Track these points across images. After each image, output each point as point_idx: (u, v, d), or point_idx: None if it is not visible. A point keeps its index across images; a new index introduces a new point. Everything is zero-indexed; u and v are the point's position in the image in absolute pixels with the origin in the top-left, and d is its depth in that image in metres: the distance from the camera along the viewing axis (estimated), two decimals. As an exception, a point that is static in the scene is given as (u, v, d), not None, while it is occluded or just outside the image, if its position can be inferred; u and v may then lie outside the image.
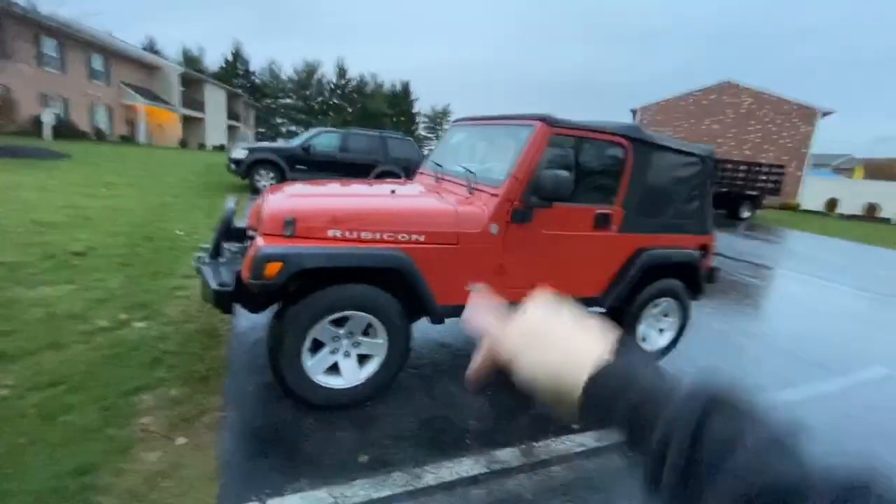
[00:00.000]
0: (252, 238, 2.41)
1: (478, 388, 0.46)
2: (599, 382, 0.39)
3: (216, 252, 2.62)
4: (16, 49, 12.78)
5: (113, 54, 25.32)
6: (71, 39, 21.76)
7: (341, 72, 55.73)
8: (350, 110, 54.60)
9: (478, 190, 2.67)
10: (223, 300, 2.22)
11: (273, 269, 1.97)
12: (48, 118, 18.25)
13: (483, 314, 0.52)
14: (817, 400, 3.10)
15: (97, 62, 24.32)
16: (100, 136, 23.78)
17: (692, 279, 3.29)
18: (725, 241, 10.41)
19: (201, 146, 31.01)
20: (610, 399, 0.38)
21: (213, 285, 2.22)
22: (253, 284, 2.01)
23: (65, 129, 19.65)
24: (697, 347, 3.71)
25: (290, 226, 2.14)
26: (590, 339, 0.43)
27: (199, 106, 31.81)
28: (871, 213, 23.07)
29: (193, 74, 32.55)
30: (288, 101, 55.10)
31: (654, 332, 3.30)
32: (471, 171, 2.78)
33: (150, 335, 2.92)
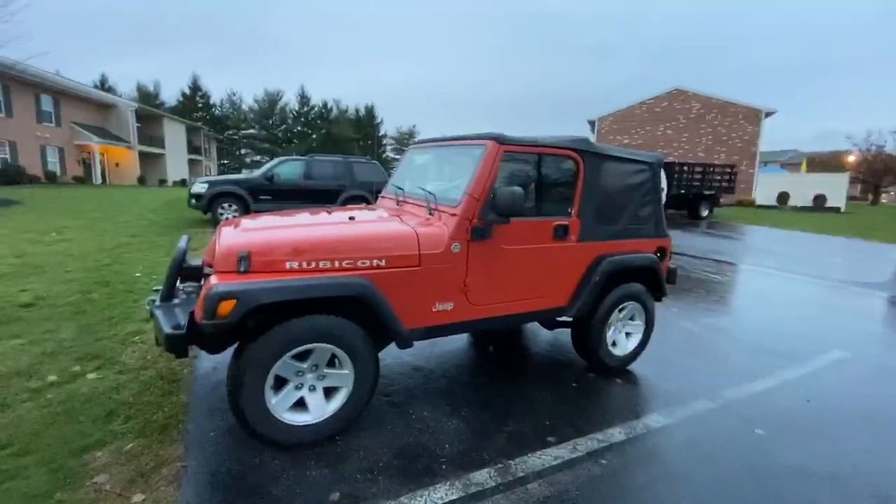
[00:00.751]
0: (208, 276, 2.33)
1: None
2: None
3: (170, 293, 2.52)
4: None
5: (62, 94, 24.59)
6: (16, 81, 21.03)
7: (304, 99, 55.78)
8: (315, 137, 54.48)
9: (438, 210, 2.69)
10: (176, 344, 2.12)
11: (227, 307, 1.91)
12: (-6, 164, 17.42)
13: None
14: (781, 388, 3.20)
15: (46, 103, 23.55)
16: (52, 178, 22.88)
17: (653, 281, 3.38)
18: (688, 241, 10.79)
19: (162, 182, 30.20)
20: None
21: (166, 329, 2.13)
22: (207, 325, 1.94)
23: (13, 174, 18.81)
24: (667, 347, 3.80)
25: (244, 261, 2.09)
26: None
27: (158, 141, 31.12)
28: (820, 204, 24.43)
29: (149, 110, 31.90)
30: (251, 131, 54.60)
31: (622, 336, 3.36)
32: (430, 193, 2.79)
33: (104, 386, 2.76)
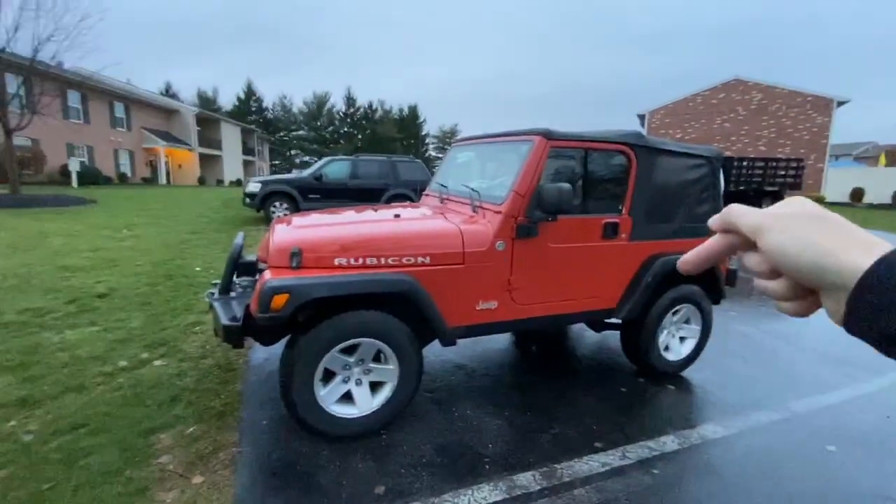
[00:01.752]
0: (262, 271, 2.43)
1: (690, 270, 0.37)
2: (886, 268, 0.30)
3: (227, 287, 2.65)
4: (42, 104, 13.53)
5: (132, 101, 26.60)
6: (93, 91, 22.95)
7: (350, 100, 57.25)
8: (360, 137, 55.83)
9: (482, 208, 2.67)
10: (233, 335, 2.23)
11: (280, 301, 1.98)
12: (74, 166, 19.12)
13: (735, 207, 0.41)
14: (855, 401, 2.93)
15: (118, 110, 25.56)
16: (123, 179, 24.80)
17: (711, 283, 3.19)
18: (747, 241, 10.13)
19: (219, 182, 32.00)
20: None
21: (224, 320, 2.24)
22: (261, 318, 2.03)
23: (90, 176, 20.54)
24: (725, 353, 3.58)
25: (296, 257, 2.16)
26: (871, 237, 0.34)
27: (216, 144, 33.00)
28: (900, 201, 22.21)
29: (208, 114, 33.85)
30: (300, 132, 56.73)
31: (676, 340, 3.20)
32: (474, 190, 2.78)
33: (168, 373, 2.95)
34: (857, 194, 23.16)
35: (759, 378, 3.26)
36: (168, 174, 28.73)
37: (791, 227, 0.36)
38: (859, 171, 26.50)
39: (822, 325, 4.59)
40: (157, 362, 3.11)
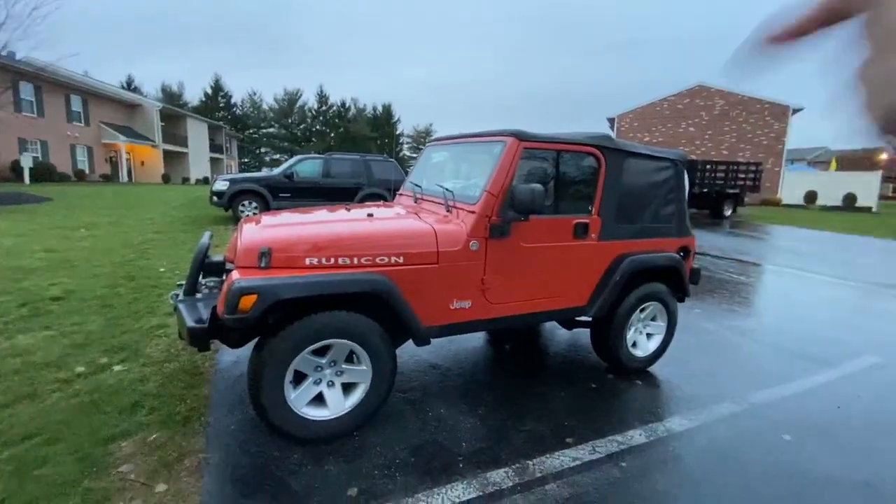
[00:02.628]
0: (229, 272, 2.37)
1: (785, 39, 0.30)
2: None
3: (193, 288, 2.57)
4: (-9, 96, 12.76)
5: (91, 95, 25.36)
6: (48, 83, 21.77)
7: (322, 98, 56.36)
8: (333, 135, 55.05)
9: (456, 208, 2.67)
10: (199, 338, 2.16)
11: (248, 302, 1.93)
12: (27, 162, 18.09)
13: None
14: (809, 393, 3.09)
15: (75, 103, 24.32)
16: (81, 176, 23.63)
17: (676, 282, 3.31)
18: (711, 240, 10.54)
19: (185, 180, 30.91)
20: None
21: (189, 323, 2.17)
22: (228, 319, 1.97)
23: (45, 172, 19.49)
24: (689, 349, 3.71)
25: (265, 257, 2.12)
26: None
27: (181, 140, 31.86)
28: (850, 204, 23.58)
29: (173, 110, 32.65)
30: (270, 130, 55.46)
31: (643, 337, 3.30)
32: (448, 190, 2.78)
33: (129, 378, 2.83)
34: (811, 197, 24.45)
35: (721, 372, 3.40)
36: (130, 171, 27.55)
37: None
38: (813, 176, 27.98)
39: (780, 323, 4.83)
40: (117, 367, 2.98)
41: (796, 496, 2.07)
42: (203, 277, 2.75)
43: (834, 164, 33.31)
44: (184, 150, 31.95)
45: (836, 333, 4.43)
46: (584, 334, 3.65)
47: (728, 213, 17.01)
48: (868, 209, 23.07)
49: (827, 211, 22.14)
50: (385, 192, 10.41)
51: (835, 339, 4.24)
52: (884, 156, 38.69)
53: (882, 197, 27.26)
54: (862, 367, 3.60)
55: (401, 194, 3.57)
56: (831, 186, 24.45)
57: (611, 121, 28.48)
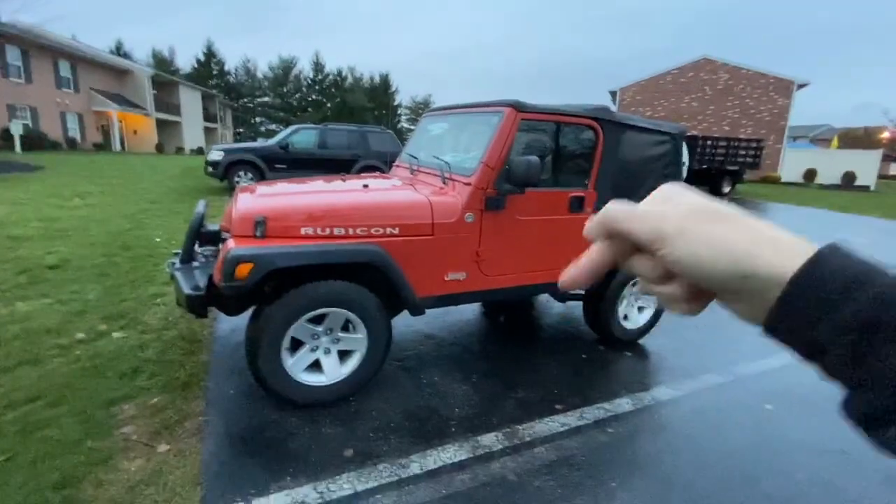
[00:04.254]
0: (225, 240, 2.38)
1: (573, 287, 0.33)
2: (819, 272, 0.28)
3: (189, 256, 2.58)
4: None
5: (80, 60, 24.61)
6: (34, 47, 21.08)
7: (318, 67, 54.93)
8: (329, 105, 53.92)
9: (451, 180, 2.67)
10: (196, 305, 2.19)
11: (244, 270, 1.95)
12: (17, 129, 17.71)
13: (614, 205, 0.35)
14: (793, 366, 3.18)
15: (64, 69, 23.62)
16: (72, 145, 23.22)
17: (669, 256, 3.33)
18: (707, 217, 10.55)
19: (179, 150, 30.42)
20: (834, 294, 0.27)
21: (186, 290, 2.20)
22: (225, 287, 2.00)
23: (35, 140, 19.11)
24: (680, 322, 3.78)
25: (260, 226, 2.12)
26: (782, 232, 0.31)
27: (174, 109, 31.16)
28: (849, 182, 23.53)
29: (165, 77, 31.80)
30: (265, 99, 54.26)
31: (634, 310, 3.35)
32: (444, 161, 2.77)
33: (129, 344, 2.88)
34: (810, 175, 24.37)
35: (709, 345, 3.48)
36: (122, 140, 27.06)
37: (698, 232, 0.31)
38: (813, 153, 27.81)
39: (769, 297, 4.90)
40: (116, 334, 3.02)
41: (774, 461, 2.17)
42: (199, 246, 2.77)
43: (836, 142, 33.10)
44: (177, 118, 31.31)
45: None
46: (576, 306, 3.70)
47: (727, 190, 16.95)
48: (866, 188, 23.06)
49: (825, 189, 22.12)
50: (382, 164, 10.30)
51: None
52: (885, 134, 38.40)
53: (881, 176, 27.23)
54: (846, 342, 3.68)
55: (397, 166, 3.55)
56: (831, 164, 24.33)
57: (613, 94, 27.96)
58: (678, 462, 2.12)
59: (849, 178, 23.61)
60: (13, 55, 20.34)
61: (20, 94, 20.68)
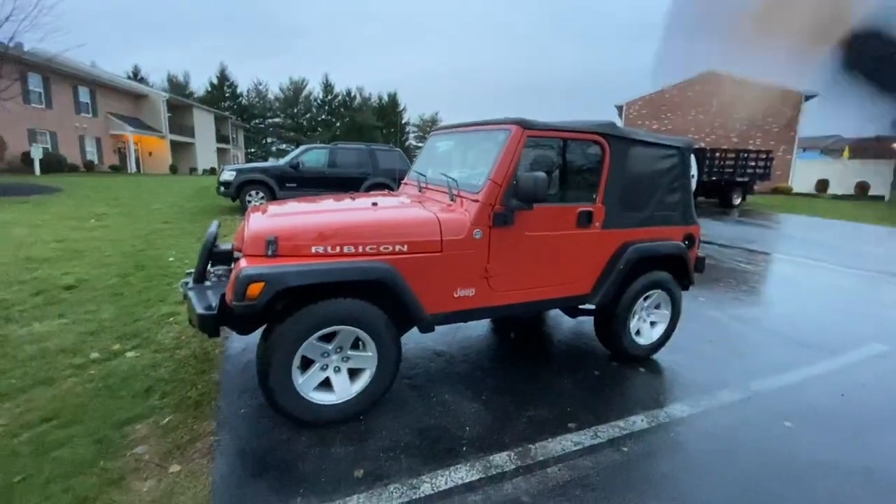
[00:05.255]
0: (237, 260, 2.41)
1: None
2: None
3: (202, 276, 2.62)
4: (1, 88, 12.84)
5: (98, 85, 25.44)
6: (55, 74, 21.86)
7: (327, 87, 56.16)
8: (338, 125, 54.90)
9: (459, 196, 2.69)
10: (208, 324, 2.22)
11: (255, 289, 1.97)
12: (37, 153, 18.26)
13: None
14: (813, 381, 3.10)
15: (83, 94, 24.42)
16: (90, 167, 23.83)
17: (680, 270, 3.31)
18: (718, 229, 10.47)
19: (192, 170, 31.08)
20: None
21: (199, 309, 2.22)
22: (237, 306, 2.02)
23: (54, 163, 19.66)
24: (694, 337, 3.73)
25: (271, 245, 2.15)
26: None
27: (188, 131, 31.94)
28: (862, 192, 23.19)
29: (180, 100, 32.72)
30: (276, 119, 55.42)
31: (647, 325, 3.31)
32: (452, 179, 2.80)
33: (142, 364, 2.91)
34: (823, 185, 24.08)
35: (724, 360, 3.41)
36: (138, 162, 27.73)
37: None
38: (825, 163, 27.53)
39: (786, 311, 4.82)
40: (130, 354, 3.05)
41: (795, 481, 2.10)
42: (212, 266, 2.80)
43: (847, 152, 32.75)
44: (190, 140, 32.07)
45: (842, 322, 4.42)
46: (588, 322, 3.67)
47: (737, 202, 16.81)
48: (881, 198, 22.69)
49: (838, 200, 21.81)
50: (390, 182, 10.41)
51: (840, 328, 4.23)
52: (898, 143, 37.84)
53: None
54: (867, 356, 3.59)
55: (405, 183, 3.59)
56: (843, 175, 24.04)
57: (619, 108, 28.09)
58: (696, 482, 2.06)
59: (862, 188, 23.27)
60: (34, 82, 21.10)
61: (41, 119, 21.38)
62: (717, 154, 16.13)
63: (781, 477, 2.12)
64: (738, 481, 2.08)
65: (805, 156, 28.68)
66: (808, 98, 22.93)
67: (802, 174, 24.22)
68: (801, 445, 2.37)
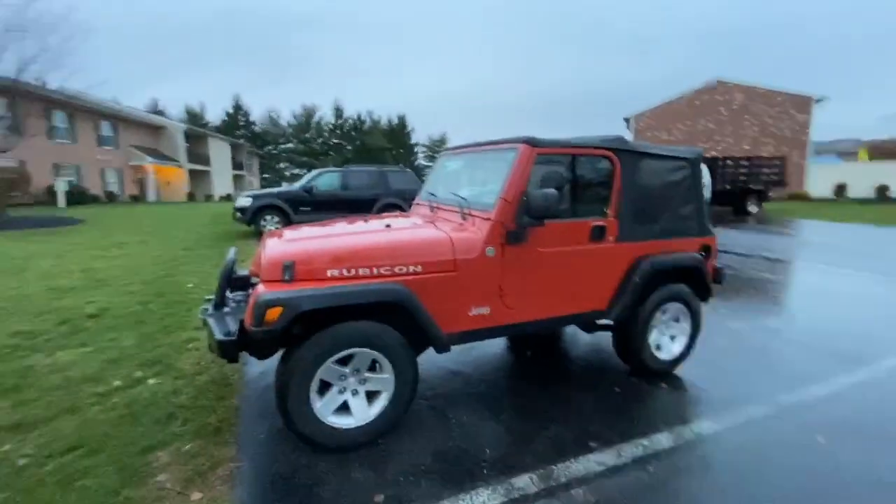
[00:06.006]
0: (255, 285, 2.45)
1: None
2: None
3: (221, 302, 2.67)
4: (28, 125, 13.47)
5: (119, 119, 26.47)
6: (79, 110, 22.82)
7: (338, 112, 57.41)
8: (350, 148, 55.89)
9: (471, 215, 2.71)
10: (228, 350, 2.24)
11: (273, 314, 2.00)
12: (61, 186, 18.96)
13: None
14: (843, 393, 2.99)
15: (105, 128, 25.42)
16: (111, 198, 24.59)
17: (698, 282, 3.26)
18: (736, 238, 10.29)
19: (208, 197, 31.83)
20: None
21: (218, 335, 2.26)
22: (255, 331, 2.05)
23: (78, 195, 20.36)
24: (716, 350, 3.64)
25: (288, 270, 2.19)
26: None
27: (205, 159, 32.88)
28: (882, 195, 22.63)
29: (197, 130, 33.78)
30: (289, 145, 56.67)
31: (667, 339, 3.25)
32: (463, 198, 2.82)
33: (163, 391, 2.95)
34: (841, 189, 23.59)
35: (749, 373, 3.32)
36: (157, 191, 28.54)
37: None
38: (842, 167, 27.01)
39: (810, 320, 4.69)
40: (151, 381, 3.10)
41: (832, 499, 2.01)
42: (230, 292, 2.85)
43: (863, 153, 32.14)
44: (207, 168, 32.96)
45: (870, 330, 4.28)
46: (605, 336, 3.61)
47: (753, 210, 16.53)
48: (903, 200, 22.09)
49: (858, 203, 21.31)
50: (402, 202, 10.53)
51: (868, 337, 4.09)
52: (917, 144, 36.98)
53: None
54: (900, 365, 3.46)
55: (417, 204, 3.63)
56: (862, 178, 23.50)
57: (627, 121, 28.15)
58: (727, 503, 1.99)
59: (882, 190, 22.71)
60: (59, 118, 22.06)
61: (65, 154, 22.24)
62: (730, 162, 15.98)
63: (815, 496, 2.03)
64: (773, 501, 2.00)
65: (819, 159, 28.20)
66: (818, 101, 22.68)
67: (819, 179, 23.78)
68: (835, 461, 2.28)
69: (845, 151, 42.36)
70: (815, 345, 3.86)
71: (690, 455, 2.33)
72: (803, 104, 22.65)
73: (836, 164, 28.78)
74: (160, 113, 41.11)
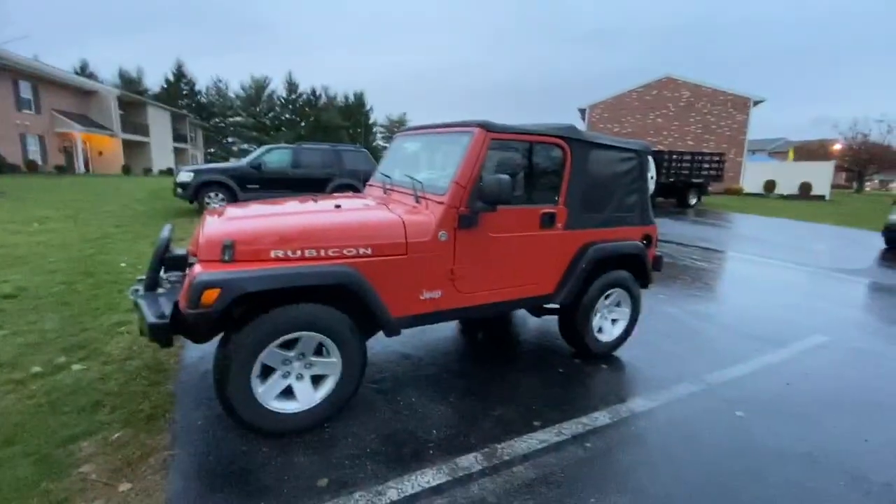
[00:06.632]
0: (192, 265, 2.31)
1: None
2: None
3: (154, 283, 2.49)
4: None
5: (42, 80, 23.91)
6: (-8, 67, 20.38)
7: (291, 86, 54.81)
8: (303, 124, 53.70)
9: (424, 198, 2.68)
10: (161, 334, 2.10)
11: (210, 296, 1.89)
12: (-28, 152, 16.95)
13: None
14: (762, 372, 3.27)
15: (24, 90, 22.91)
16: (32, 168, 22.36)
17: (639, 269, 3.42)
18: (676, 229, 10.91)
19: (147, 171, 29.66)
20: None
21: (150, 318, 2.11)
22: (191, 314, 1.93)
23: (-8, 163, 18.32)
24: (652, 333, 3.86)
25: (228, 250, 2.07)
26: None
27: (142, 129, 30.48)
28: (805, 192, 24.75)
29: (132, 97, 31.19)
30: (238, 118, 53.62)
31: (608, 322, 3.40)
32: (417, 181, 2.78)
33: (89, 377, 2.74)
34: (770, 186, 25.55)
35: (682, 354, 3.55)
36: (87, 162, 26.22)
37: None
38: (772, 166, 29.21)
39: (738, 306, 5.07)
40: (75, 366, 2.87)
41: (748, 468, 2.21)
42: (165, 272, 2.68)
43: (791, 154, 34.87)
44: (145, 139, 30.59)
45: (789, 315, 4.69)
46: (552, 321, 3.74)
47: (693, 202, 17.61)
48: (822, 197, 24.30)
49: (784, 199, 23.18)
50: (356, 183, 10.28)
51: (787, 321, 4.49)
52: (837, 146, 40.63)
53: (835, 186, 28.73)
54: (811, 346, 3.83)
55: (370, 185, 3.55)
56: (789, 176, 25.59)
57: (582, 111, 28.86)
58: (656, 474, 2.13)
59: (805, 188, 24.84)
60: (-31, 76, 19.62)
61: (-24, 116, 19.88)
62: (674, 156, 16.83)
63: (736, 465, 2.22)
64: (696, 471, 2.16)
65: (754, 158, 30.35)
66: (756, 103, 24.26)
67: (752, 175, 25.63)
68: (752, 433, 2.50)
69: (776, 151, 45.78)
70: (741, 328, 4.19)
71: (626, 431, 2.48)
72: (743, 105, 24.15)
73: (768, 162, 31.06)
74: (91, 76, 37.54)
